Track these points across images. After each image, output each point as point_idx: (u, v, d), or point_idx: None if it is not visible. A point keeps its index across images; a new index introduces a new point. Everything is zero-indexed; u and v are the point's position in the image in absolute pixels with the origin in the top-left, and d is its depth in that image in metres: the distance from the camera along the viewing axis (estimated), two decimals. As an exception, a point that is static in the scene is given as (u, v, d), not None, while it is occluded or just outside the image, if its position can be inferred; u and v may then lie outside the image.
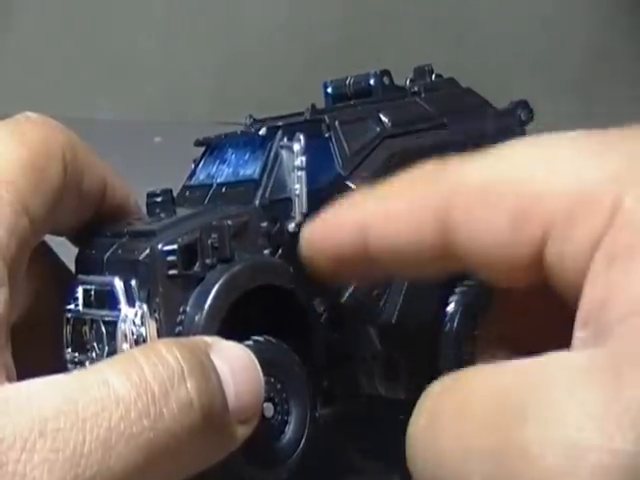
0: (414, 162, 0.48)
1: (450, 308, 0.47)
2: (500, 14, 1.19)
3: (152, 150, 1.03)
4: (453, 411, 0.28)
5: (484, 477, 0.26)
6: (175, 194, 0.46)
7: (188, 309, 0.40)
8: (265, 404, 0.40)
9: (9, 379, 0.35)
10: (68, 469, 0.31)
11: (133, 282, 0.40)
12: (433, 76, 0.52)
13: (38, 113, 0.43)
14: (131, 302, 0.40)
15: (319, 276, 0.38)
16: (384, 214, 0.34)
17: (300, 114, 0.49)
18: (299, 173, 0.43)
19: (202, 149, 0.50)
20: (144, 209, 0.45)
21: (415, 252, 0.33)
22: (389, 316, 0.45)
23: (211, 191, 0.46)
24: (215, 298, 0.40)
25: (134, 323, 0.39)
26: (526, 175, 0.31)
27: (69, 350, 0.42)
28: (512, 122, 0.51)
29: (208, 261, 0.41)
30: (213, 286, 0.40)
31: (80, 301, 0.42)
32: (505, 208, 0.31)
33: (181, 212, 0.44)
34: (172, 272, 0.40)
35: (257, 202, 0.43)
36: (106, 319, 0.41)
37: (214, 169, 0.48)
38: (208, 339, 0.37)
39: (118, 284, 0.40)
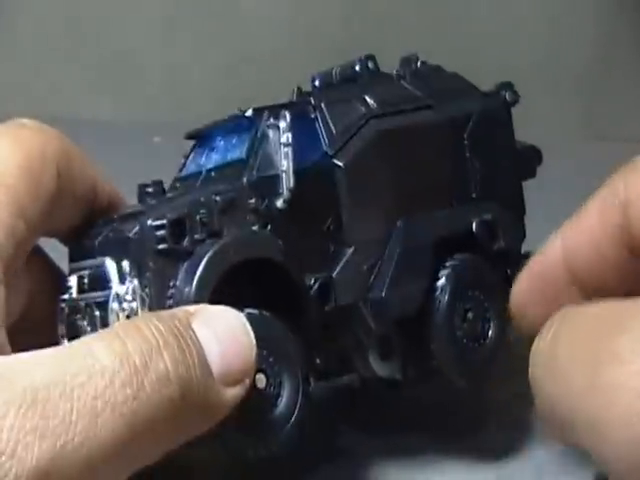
0: (399, 141, 0.49)
1: (440, 282, 0.47)
2: (502, 15, 1.19)
3: (152, 150, 1.03)
4: (568, 330, 0.33)
5: (584, 377, 0.30)
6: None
7: (178, 283, 0.40)
8: (257, 375, 0.40)
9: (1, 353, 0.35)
10: (58, 435, 0.32)
11: (124, 260, 0.41)
12: (419, 64, 0.52)
13: (38, 113, 0.43)
14: (123, 280, 0.40)
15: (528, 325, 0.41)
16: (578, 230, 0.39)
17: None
18: (285, 149, 0.44)
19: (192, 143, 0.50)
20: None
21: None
22: (379, 291, 0.45)
23: (201, 177, 0.47)
24: (204, 271, 0.40)
25: (125, 299, 0.40)
26: None
27: (65, 342, 0.42)
28: (498, 103, 0.52)
29: (197, 236, 0.41)
30: (202, 259, 0.40)
31: (74, 289, 0.43)
32: None
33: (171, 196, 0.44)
34: (161, 247, 0.40)
35: (245, 179, 0.44)
36: (98, 300, 0.41)
37: (203, 158, 0.48)
38: (191, 309, 0.38)
39: (109, 264, 0.41)
